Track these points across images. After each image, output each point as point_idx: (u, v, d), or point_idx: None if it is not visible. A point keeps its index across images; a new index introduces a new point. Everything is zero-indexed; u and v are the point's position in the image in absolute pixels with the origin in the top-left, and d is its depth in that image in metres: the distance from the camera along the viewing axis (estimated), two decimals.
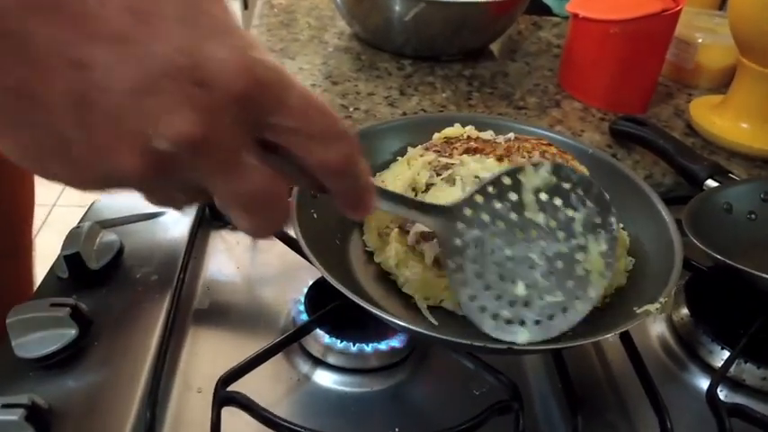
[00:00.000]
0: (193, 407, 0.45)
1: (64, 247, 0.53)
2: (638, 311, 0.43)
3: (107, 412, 0.44)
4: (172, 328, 0.49)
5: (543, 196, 0.43)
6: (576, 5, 0.82)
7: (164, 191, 0.30)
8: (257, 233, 0.31)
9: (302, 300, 0.51)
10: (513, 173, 0.42)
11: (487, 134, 0.57)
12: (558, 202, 0.43)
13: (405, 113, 0.77)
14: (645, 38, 0.78)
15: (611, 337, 0.50)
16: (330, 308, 0.48)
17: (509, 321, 0.42)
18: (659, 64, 0.81)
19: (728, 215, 0.59)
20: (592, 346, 0.52)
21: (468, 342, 0.41)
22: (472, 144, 0.53)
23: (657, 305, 0.43)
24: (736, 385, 0.50)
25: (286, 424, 0.40)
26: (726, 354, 0.50)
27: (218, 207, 0.29)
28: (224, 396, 0.41)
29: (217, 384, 0.42)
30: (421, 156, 0.53)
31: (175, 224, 0.61)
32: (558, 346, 0.44)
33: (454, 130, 0.57)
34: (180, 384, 0.46)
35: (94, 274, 0.53)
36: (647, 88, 0.83)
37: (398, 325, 0.42)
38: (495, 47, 0.99)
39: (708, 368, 0.51)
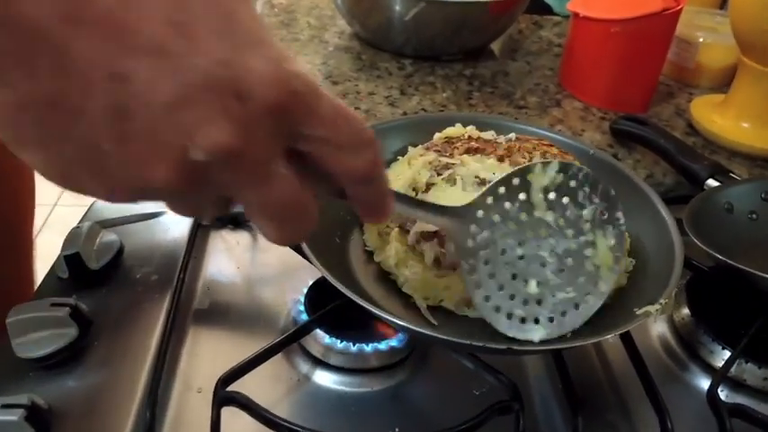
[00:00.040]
0: (193, 407, 0.45)
1: (64, 247, 0.53)
2: (638, 312, 0.43)
3: (107, 412, 0.44)
4: (172, 328, 0.49)
5: (551, 195, 0.43)
6: (577, 4, 0.82)
7: (192, 202, 0.29)
8: (284, 242, 0.31)
9: (302, 300, 0.51)
10: (522, 173, 0.43)
11: (488, 134, 0.57)
12: (565, 200, 0.43)
13: (405, 113, 0.77)
14: (646, 37, 0.77)
15: (611, 338, 0.50)
16: (330, 308, 0.48)
17: (523, 320, 0.43)
18: (660, 63, 0.81)
19: (729, 215, 0.59)
20: (592, 346, 0.52)
21: (468, 342, 0.41)
22: (473, 144, 0.53)
23: (658, 306, 0.43)
24: (737, 385, 0.50)
25: (286, 424, 0.40)
26: (727, 354, 0.50)
27: (246, 216, 0.29)
28: (224, 396, 0.41)
29: (217, 384, 0.42)
30: (421, 155, 0.53)
31: (175, 224, 0.61)
32: (559, 346, 0.44)
33: (455, 130, 0.57)
34: (180, 384, 0.46)
35: (94, 274, 0.53)
36: (648, 87, 0.83)
37: (398, 325, 0.42)
38: (495, 46, 0.99)
39: (709, 368, 0.51)
